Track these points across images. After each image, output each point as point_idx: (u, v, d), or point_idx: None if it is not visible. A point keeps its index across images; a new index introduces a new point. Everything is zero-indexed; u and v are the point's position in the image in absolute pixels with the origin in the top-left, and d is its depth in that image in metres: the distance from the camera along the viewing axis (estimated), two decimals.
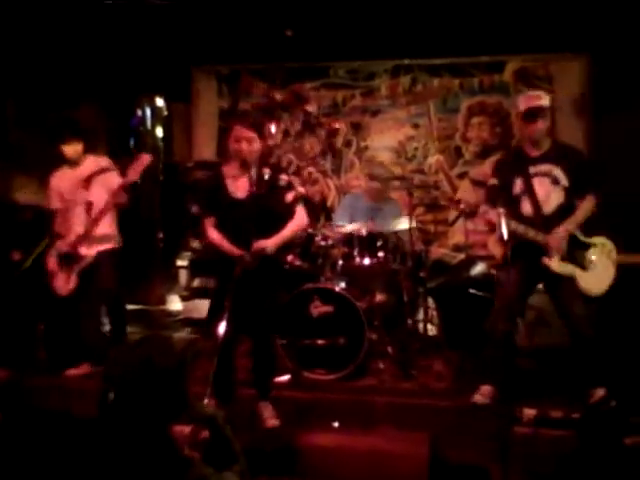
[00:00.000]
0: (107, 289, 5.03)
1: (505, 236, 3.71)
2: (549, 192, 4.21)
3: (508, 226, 3.76)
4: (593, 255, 4.20)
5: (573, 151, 4.45)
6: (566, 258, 4.17)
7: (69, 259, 4.91)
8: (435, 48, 6.62)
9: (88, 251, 4.90)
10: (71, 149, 4.97)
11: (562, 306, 4.28)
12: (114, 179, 4.91)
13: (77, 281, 4.89)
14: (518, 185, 4.26)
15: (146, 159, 4.71)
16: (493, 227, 4.32)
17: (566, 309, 4.24)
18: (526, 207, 4.24)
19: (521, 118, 4.27)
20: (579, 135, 6.59)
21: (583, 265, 4.18)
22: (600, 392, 4.07)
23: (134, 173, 4.68)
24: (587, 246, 4.22)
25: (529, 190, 4.22)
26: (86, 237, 4.87)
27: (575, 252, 4.19)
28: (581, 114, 6.61)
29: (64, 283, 4.92)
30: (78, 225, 4.91)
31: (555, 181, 4.20)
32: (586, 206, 4.23)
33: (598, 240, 4.25)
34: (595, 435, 3.66)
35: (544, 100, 4.25)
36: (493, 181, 4.36)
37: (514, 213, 4.17)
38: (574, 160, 4.26)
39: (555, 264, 4.16)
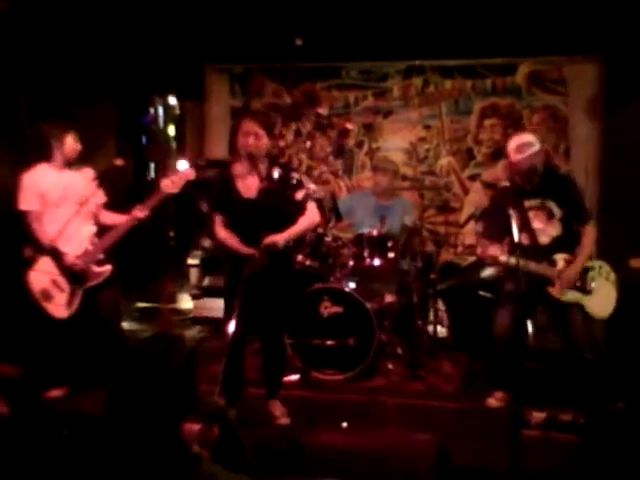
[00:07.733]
0: (115, 313, 4.57)
1: (516, 239, 3.70)
2: (545, 225, 4.22)
3: (518, 264, 3.76)
4: (593, 278, 4.21)
5: (564, 180, 4.46)
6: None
7: (76, 277, 4.32)
8: (447, 49, 6.60)
9: (100, 268, 4.39)
10: (71, 144, 4.40)
11: (564, 330, 4.31)
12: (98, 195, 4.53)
13: (81, 301, 4.32)
14: (514, 218, 4.16)
15: (190, 174, 4.22)
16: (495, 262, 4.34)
17: (568, 334, 4.26)
18: (523, 239, 4.18)
19: (513, 153, 4.20)
20: (593, 138, 6.57)
21: (585, 289, 4.18)
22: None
23: (173, 186, 4.18)
24: (585, 270, 4.21)
25: (525, 223, 4.20)
26: (94, 257, 4.38)
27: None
28: (595, 117, 6.58)
29: (65, 304, 4.30)
30: (82, 241, 4.38)
31: (550, 214, 4.21)
32: (589, 237, 4.23)
33: (595, 263, 4.27)
34: (603, 437, 3.65)
35: (533, 140, 4.19)
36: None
37: (510, 244, 4.15)
38: (566, 190, 4.27)
39: (559, 292, 4.16)
